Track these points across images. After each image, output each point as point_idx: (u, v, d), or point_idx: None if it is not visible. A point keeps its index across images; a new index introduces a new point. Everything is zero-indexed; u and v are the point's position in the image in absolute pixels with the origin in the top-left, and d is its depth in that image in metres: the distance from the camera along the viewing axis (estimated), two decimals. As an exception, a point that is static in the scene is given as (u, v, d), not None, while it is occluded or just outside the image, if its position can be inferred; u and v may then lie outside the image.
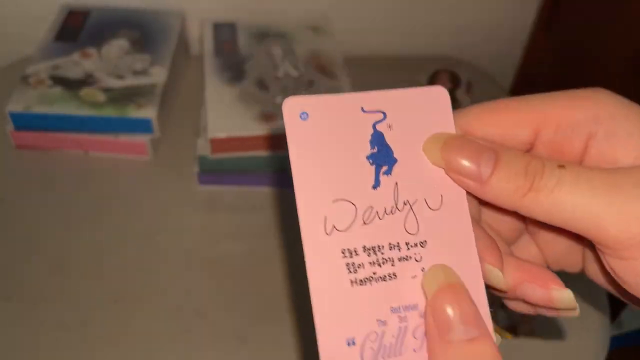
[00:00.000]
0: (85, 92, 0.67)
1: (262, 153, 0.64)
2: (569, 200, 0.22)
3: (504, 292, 0.26)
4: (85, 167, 0.69)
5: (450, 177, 0.24)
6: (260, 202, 0.67)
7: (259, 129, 0.62)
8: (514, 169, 0.23)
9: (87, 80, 0.68)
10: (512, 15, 0.88)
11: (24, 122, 0.66)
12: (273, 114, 0.63)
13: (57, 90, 0.67)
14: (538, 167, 0.23)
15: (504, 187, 0.23)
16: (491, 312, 0.26)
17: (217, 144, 0.62)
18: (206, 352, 0.54)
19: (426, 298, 0.23)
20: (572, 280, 0.62)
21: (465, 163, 0.23)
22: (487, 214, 0.28)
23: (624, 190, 0.22)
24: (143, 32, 0.75)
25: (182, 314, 0.56)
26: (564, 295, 0.26)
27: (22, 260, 0.60)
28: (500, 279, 0.25)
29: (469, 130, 0.25)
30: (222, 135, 0.61)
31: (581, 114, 0.24)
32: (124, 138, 0.67)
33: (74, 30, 0.75)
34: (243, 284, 0.59)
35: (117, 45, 0.73)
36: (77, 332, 0.55)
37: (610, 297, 0.63)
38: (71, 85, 0.68)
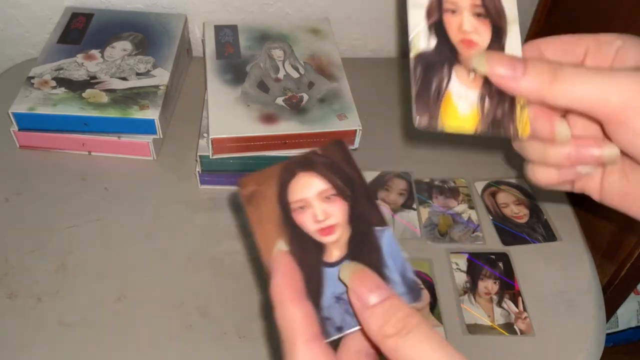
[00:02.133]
0: (88, 93, 0.68)
1: (263, 153, 0.64)
2: (584, 84, 0.30)
3: (567, 142, 0.34)
4: (88, 168, 0.69)
5: (493, 80, 0.33)
6: (261, 201, 0.67)
7: (260, 130, 0.63)
8: (540, 69, 0.31)
9: (90, 82, 0.69)
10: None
11: (28, 123, 0.67)
12: (274, 115, 0.64)
13: (61, 91, 0.68)
14: (557, 65, 0.31)
15: (534, 82, 0.31)
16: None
17: (219, 145, 0.63)
18: (207, 349, 0.55)
19: (346, 285, 0.30)
20: (573, 280, 0.63)
21: (503, 69, 0.32)
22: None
23: (625, 72, 0.30)
24: (146, 34, 0.76)
25: (183, 312, 0.57)
26: (562, 129, 0.34)
27: (26, 258, 0.60)
28: (567, 132, 0.34)
29: (541, 47, 0.35)
30: (223, 135, 0.62)
31: (613, 37, 0.34)
32: (127, 139, 0.68)
33: (78, 33, 0.75)
34: (244, 282, 0.60)
35: (120, 47, 0.74)
36: (79, 329, 0.55)
37: (607, 295, 0.63)
38: (75, 87, 0.68)
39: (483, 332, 0.57)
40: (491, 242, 0.65)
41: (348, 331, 0.30)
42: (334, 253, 0.32)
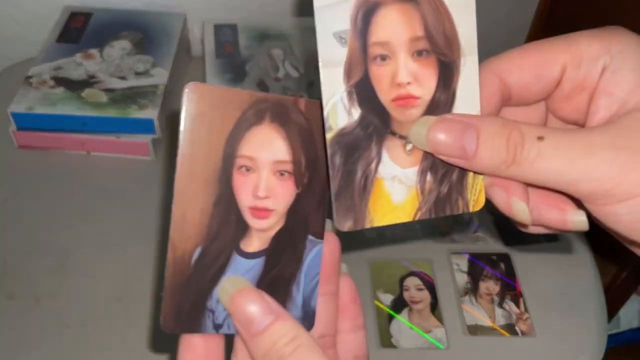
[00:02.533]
0: (87, 92, 0.68)
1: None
2: (549, 169, 0.24)
3: (527, 225, 0.28)
4: (87, 167, 0.69)
5: (439, 157, 0.26)
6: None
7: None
8: (496, 144, 0.25)
9: (89, 81, 0.69)
10: (511, 15, 0.89)
11: (27, 123, 0.67)
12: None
13: (60, 91, 0.67)
14: (518, 139, 0.25)
15: (488, 161, 0.25)
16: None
17: (218, 145, 0.62)
18: (207, 350, 0.55)
19: (226, 308, 0.26)
20: (574, 281, 0.63)
21: (449, 148, 0.25)
22: (505, 113, 0.29)
23: (597, 154, 0.24)
24: (145, 34, 0.76)
25: (183, 313, 0.57)
26: (519, 207, 0.27)
27: (25, 258, 0.60)
28: (525, 213, 0.27)
29: (503, 76, 0.27)
30: (223, 135, 0.62)
31: (598, 49, 0.26)
32: (126, 138, 0.68)
33: (76, 32, 0.75)
34: (243, 283, 0.60)
35: (119, 47, 0.73)
36: (78, 329, 0.55)
37: (608, 296, 0.63)
38: (73, 86, 0.68)
39: (484, 332, 0.57)
40: (492, 242, 0.64)
41: (225, 333, 0.27)
42: (254, 243, 0.27)
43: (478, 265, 0.62)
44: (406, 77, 0.26)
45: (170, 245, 0.27)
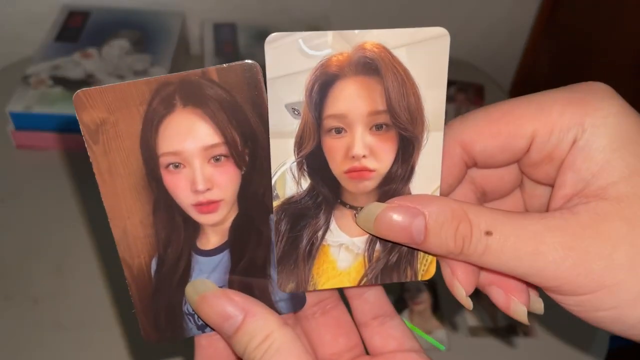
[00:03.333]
0: (85, 92, 0.67)
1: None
2: (498, 264, 0.24)
3: (526, 325, 0.28)
4: (85, 167, 0.68)
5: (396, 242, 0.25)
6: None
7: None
8: (443, 235, 0.24)
9: (87, 80, 0.68)
10: (511, 16, 0.89)
11: (25, 122, 0.67)
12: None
13: (58, 90, 0.67)
14: (466, 232, 0.24)
15: (437, 250, 0.25)
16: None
17: (217, 144, 0.62)
18: (206, 352, 0.54)
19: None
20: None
21: (398, 233, 0.24)
22: (477, 172, 0.28)
23: (545, 255, 0.23)
24: (143, 33, 0.75)
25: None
26: (518, 309, 0.27)
27: (23, 259, 0.60)
28: (524, 314, 0.27)
29: (468, 145, 0.26)
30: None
31: (570, 120, 0.24)
32: (125, 138, 0.68)
33: (75, 31, 0.75)
34: (243, 284, 0.59)
35: (118, 46, 0.73)
36: (77, 331, 0.55)
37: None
38: (72, 86, 0.68)
39: (485, 334, 0.57)
40: (493, 242, 0.64)
41: (211, 332, 0.26)
42: (212, 239, 0.25)
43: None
44: (361, 150, 0.25)
45: (124, 264, 0.25)
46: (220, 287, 0.26)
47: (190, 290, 0.26)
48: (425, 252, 0.26)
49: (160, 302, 0.25)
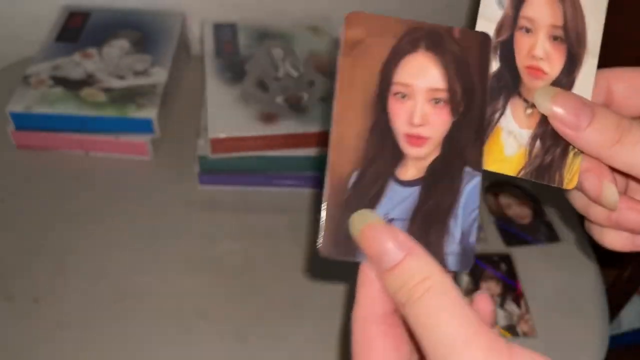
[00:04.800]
0: (86, 92, 0.67)
1: (262, 153, 0.64)
2: None
3: (614, 210, 0.30)
4: (85, 167, 0.69)
5: (552, 123, 0.28)
6: (260, 202, 0.67)
7: (259, 129, 0.62)
8: (607, 123, 0.27)
9: (87, 81, 0.68)
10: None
11: (25, 122, 0.67)
12: (273, 114, 0.64)
13: (58, 90, 0.67)
14: (627, 125, 0.27)
15: (596, 137, 0.27)
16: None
17: (217, 144, 0.62)
18: (206, 351, 0.54)
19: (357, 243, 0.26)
20: (576, 281, 0.63)
21: (567, 115, 0.28)
22: None
23: None
24: (144, 33, 0.76)
25: (182, 314, 0.57)
26: (610, 190, 0.29)
27: (23, 259, 0.60)
28: (615, 196, 0.29)
29: (611, 82, 0.31)
30: (222, 135, 0.62)
31: None
32: (125, 138, 0.68)
33: (75, 31, 0.75)
34: (243, 284, 0.59)
35: (118, 46, 0.73)
36: (77, 331, 0.55)
37: (610, 297, 0.63)
38: (72, 86, 0.68)
39: (485, 334, 0.57)
40: (494, 243, 0.64)
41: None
42: (410, 171, 0.27)
43: (479, 266, 0.62)
44: (541, 52, 0.29)
45: (330, 166, 0.27)
46: (404, 219, 0.27)
47: (357, 218, 0.26)
48: (579, 148, 0.29)
49: (347, 214, 0.26)
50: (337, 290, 0.59)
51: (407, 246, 0.24)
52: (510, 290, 0.60)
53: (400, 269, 0.24)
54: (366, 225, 0.25)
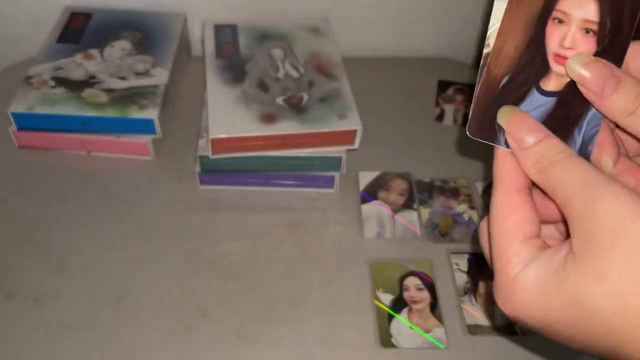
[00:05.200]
0: (87, 93, 0.68)
1: (263, 153, 0.64)
2: None
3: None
4: (87, 167, 0.69)
5: (579, 85, 0.31)
6: (260, 202, 0.67)
7: (260, 130, 0.63)
8: (628, 95, 0.30)
9: (89, 81, 0.69)
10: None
11: (27, 123, 0.67)
12: (274, 115, 0.64)
13: (60, 91, 0.68)
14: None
15: (616, 105, 0.30)
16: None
17: (218, 145, 0.63)
18: (207, 351, 0.55)
19: (503, 126, 0.32)
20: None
21: (594, 80, 0.31)
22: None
23: None
24: (145, 34, 0.76)
25: (183, 312, 0.57)
26: (607, 163, 0.33)
27: (24, 258, 0.60)
28: (610, 169, 0.33)
29: (627, 60, 0.32)
30: (222, 135, 0.62)
31: None
32: (126, 138, 0.68)
33: (77, 32, 0.75)
34: (243, 283, 0.60)
35: (119, 47, 0.74)
36: (78, 330, 0.55)
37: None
38: (73, 86, 0.68)
39: (483, 332, 0.57)
40: (492, 242, 0.64)
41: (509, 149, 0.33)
42: (551, 84, 0.32)
43: (478, 265, 0.62)
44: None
45: (487, 68, 0.32)
46: (542, 116, 0.33)
47: (506, 108, 0.32)
48: (601, 111, 0.31)
49: (494, 107, 0.33)
50: (337, 289, 0.60)
51: (546, 132, 0.31)
52: (509, 289, 0.60)
53: (542, 144, 0.30)
54: (514, 113, 0.32)
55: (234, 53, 0.72)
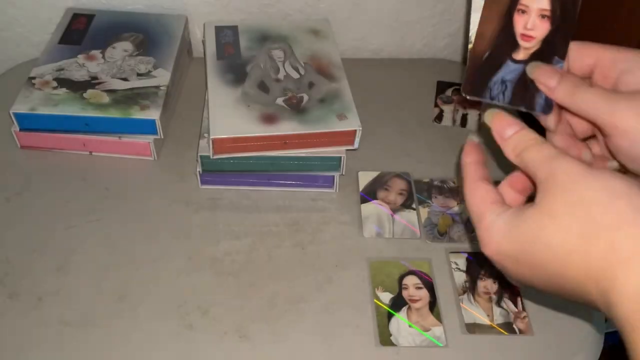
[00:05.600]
0: (89, 93, 0.68)
1: (263, 153, 0.65)
2: (590, 99, 0.39)
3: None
4: (89, 168, 0.70)
5: (537, 85, 0.43)
6: (260, 202, 0.68)
7: (260, 130, 0.63)
8: (568, 84, 0.41)
9: (91, 82, 0.69)
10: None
11: (29, 123, 0.67)
12: (274, 115, 0.64)
13: (62, 91, 0.68)
14: (579, 84, 0.41)
15: (560, 93, 0.41)
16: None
17: (219, 145, 0.63)
18: (208, 349, 0.55)
19: (489, 125, 0.42)
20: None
21: (544, 79, 0.42)
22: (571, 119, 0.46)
23: (626, 96, 0.39)
24: (146, 35, 0.76)
25: (183, 312, 0.57)
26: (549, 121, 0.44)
27: (27, 257, 0.61)
28: (552, 125, 0.44)
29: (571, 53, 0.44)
30: (223, 136, 0.62)
31: (624, 55, 0.42)
32: (128, 139, 0.69)
33: (79, 33, 0.76)
34: (244, 282, 0.60)
35: (121, 48, 0.74)
36: (80, 328, 0.56)
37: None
38: (76, 87, 0.69)
39: (482, 331, 0.57)
40: (490, 242, 0.65)
41: (495, 102, 0.44)
42: (520, 54, 0.44)
43: (476, 264, 0.63)
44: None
45: (472, 48, 0.44)
46: (513, 81, 0.44)
47: (490, 112, 0.42)
48: (552, 98, 0.42)
49: (480, 74, 0.44)
50: (337, 288, 0.60)
51: (520, 125, 0.40)
52: (507, 288, 0.61)
53: (517, 135, 0.40)
54: (496, 114, 0.41)
55: (235, 54, 0.73)
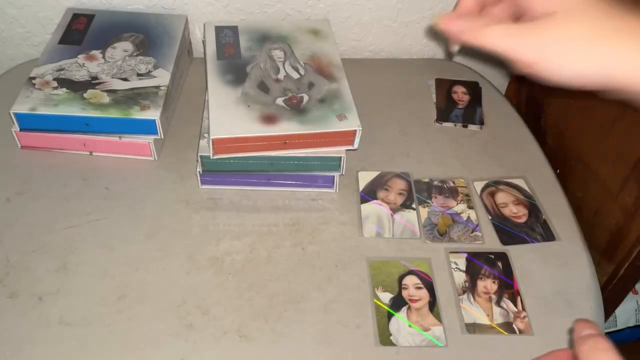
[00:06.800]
0: (89, 93, 0.68)
1: (263, 154, 0.65)
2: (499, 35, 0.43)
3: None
4: (89, 168, 0.70)
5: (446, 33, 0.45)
6: (260, 202, 0.68)
7: (260, 130, 0.63)
8: (467, 24, 0.44)
9: (91, 82, 0.69)
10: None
11: (30, 123, 0.68)
12: (274, 116, 0.65)
13: (62, 91, 0.68)
14: (488, 22, 0.44)
15: (466, 32, 0.44)
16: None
17: (219, 145, 0.63)
18: (208, 349, 0.55)
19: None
20: (571, 279, 0.63)
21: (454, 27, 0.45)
22: None
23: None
24: (147, 35, 0.77)
25: (183, 311, 0.58)
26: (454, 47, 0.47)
27: (27, 257, 0.61)
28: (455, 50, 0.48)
29: None
30: (223, 136, 0.63)
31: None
32: (128, 139, 0.69)
33: (79, 33, 0.76)
34: (244, 282, 0.60)
35: (121, 48, 0.74)
36: (80, 328, 0.56)
37: (605, 295, 0.64)
38: (76, 87, 0.69)
39: (482, 331, 0.57)
40: (490, 241, 0.65)
41: None
42: None
43: (476, 264, 0.63)
44: None
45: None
46: None
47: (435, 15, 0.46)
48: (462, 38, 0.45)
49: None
50: (337, 288, 0.60)
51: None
52: (507, 288, 0.61)
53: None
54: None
55: (235, 54, 0.73)
